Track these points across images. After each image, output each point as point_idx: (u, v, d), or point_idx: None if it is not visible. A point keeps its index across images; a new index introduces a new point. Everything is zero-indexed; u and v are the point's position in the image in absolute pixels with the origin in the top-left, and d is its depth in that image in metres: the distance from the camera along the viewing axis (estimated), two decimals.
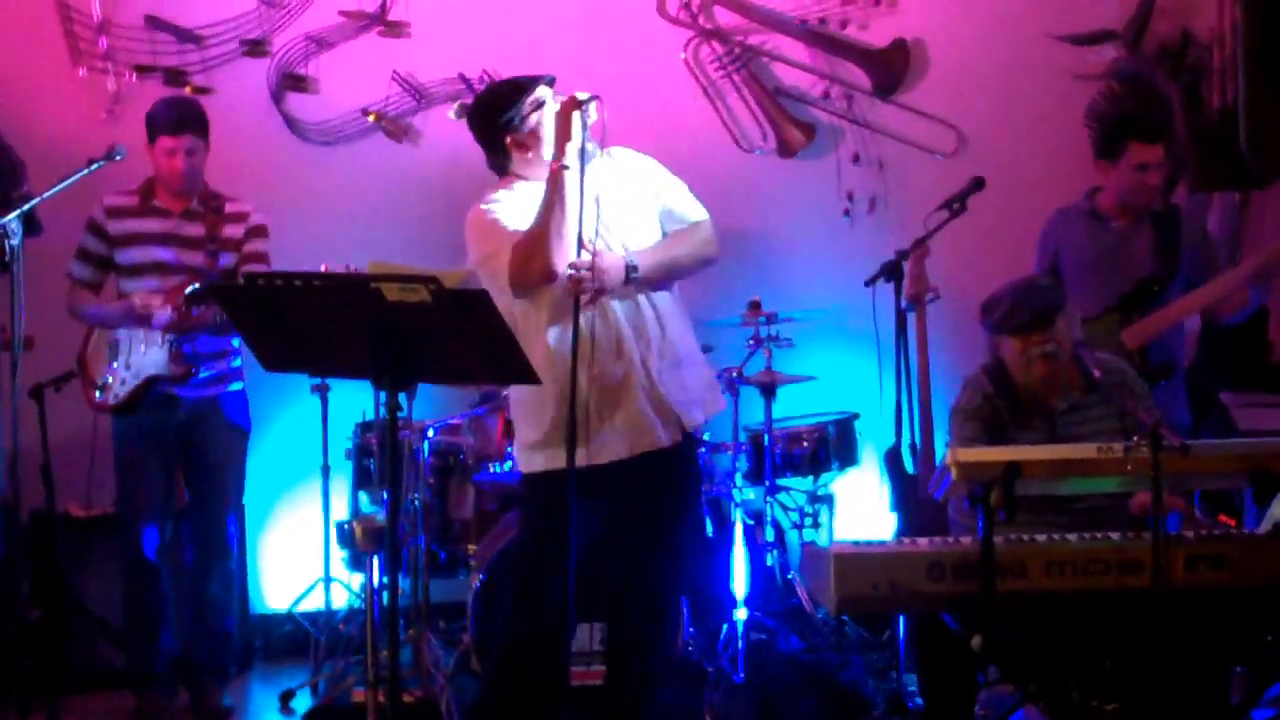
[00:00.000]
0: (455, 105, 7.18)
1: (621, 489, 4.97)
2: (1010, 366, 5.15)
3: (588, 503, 4.84)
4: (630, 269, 4.87)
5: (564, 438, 4.72)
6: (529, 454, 5.04)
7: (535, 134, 4.94)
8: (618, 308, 4.90)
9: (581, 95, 4.78)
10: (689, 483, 5.24)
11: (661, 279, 5.03)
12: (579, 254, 4.71)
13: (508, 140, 4.98)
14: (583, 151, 4.73)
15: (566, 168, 4.72)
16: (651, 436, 4.94)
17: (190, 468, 6.21)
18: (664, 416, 4.96)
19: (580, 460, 4.82)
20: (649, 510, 5.03)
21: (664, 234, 5.07)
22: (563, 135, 4.78)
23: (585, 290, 4.71)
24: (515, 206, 4.89)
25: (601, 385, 4.87)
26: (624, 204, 4.99)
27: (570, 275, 4.71)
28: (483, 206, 4.95)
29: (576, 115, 4.75)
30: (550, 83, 4.97)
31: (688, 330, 5.13)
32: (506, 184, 5.04)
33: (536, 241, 4.74)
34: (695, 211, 5.15)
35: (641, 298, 4.95)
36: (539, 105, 4.92)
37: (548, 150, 4.87)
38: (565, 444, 4.70)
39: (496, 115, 4.97)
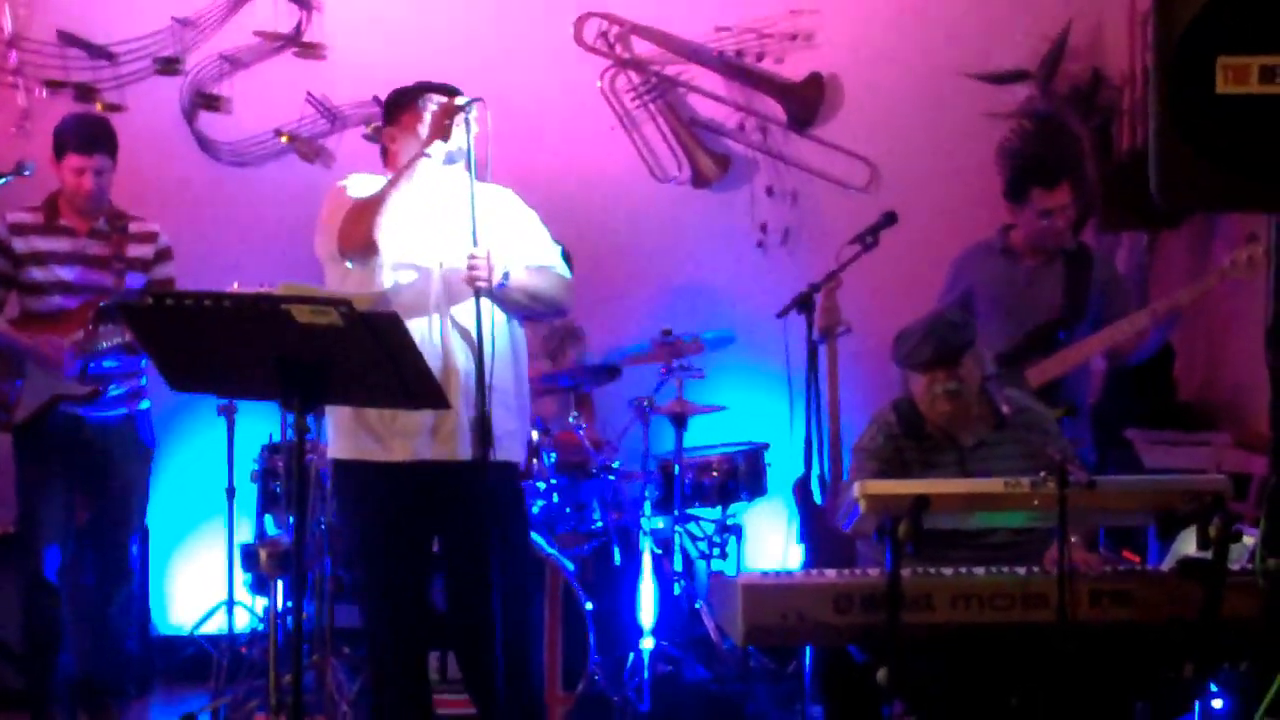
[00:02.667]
0: (370, 127, 7.18)
1: (427, 495, 4.89)
2: (918, 401, 5.16)
3: (390, 501, 4.93)
4: (503, 276, 4.85)
5: (364, 429, 4.89)
6: (335, 437, 5.06)
7: (406, 128, 5.00)
8: (457, 310, 4.88)
9: (461, 100, 4.83)
10: (495, 506, 4.91)
11: (517, 301, 4.99)
12: (474, 246, 4.74)
13: (387, 132, 5.11)
14: (469, 154, 4.79)
15: (427, 155, 4.81)
16: (450, 445, 4.85)
17: (94, 488, 6.10)
18: (468, 430, 4.84)
19: (376, 456, 4.91)
20: (459, 524, 4.92)
21: None
22: (434, 132, 4.84)
23: (479, 282, 4.72)
24: (367, 185, 4.96)
25: None
26: (491, 230, 4.94)
27: (468, 267, 4.73)
28: (339, 182, 5.08)
29: (460, 119, 4.78)
30: (461, 97, 4.92)
31: (510, 369, 5.01)
32: (371, 172, 5.12)
33: (368, 208, 4.81)
34: (562, 268, 5.18)
35: (483, 311, 4.82)
36: (425, 105, 4.96)
37: (413, 146, 4.92)
38: (372, 438, 4.89)
39: (386, 109, 5.11)
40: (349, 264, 4.88)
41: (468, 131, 4.79)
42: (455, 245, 4.83)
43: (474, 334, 4.77)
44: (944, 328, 5.12)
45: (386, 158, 5.12)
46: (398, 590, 5.01)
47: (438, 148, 4.82)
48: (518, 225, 5.10)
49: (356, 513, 5.10)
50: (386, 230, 4.77)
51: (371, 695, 5.30)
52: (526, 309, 5.10)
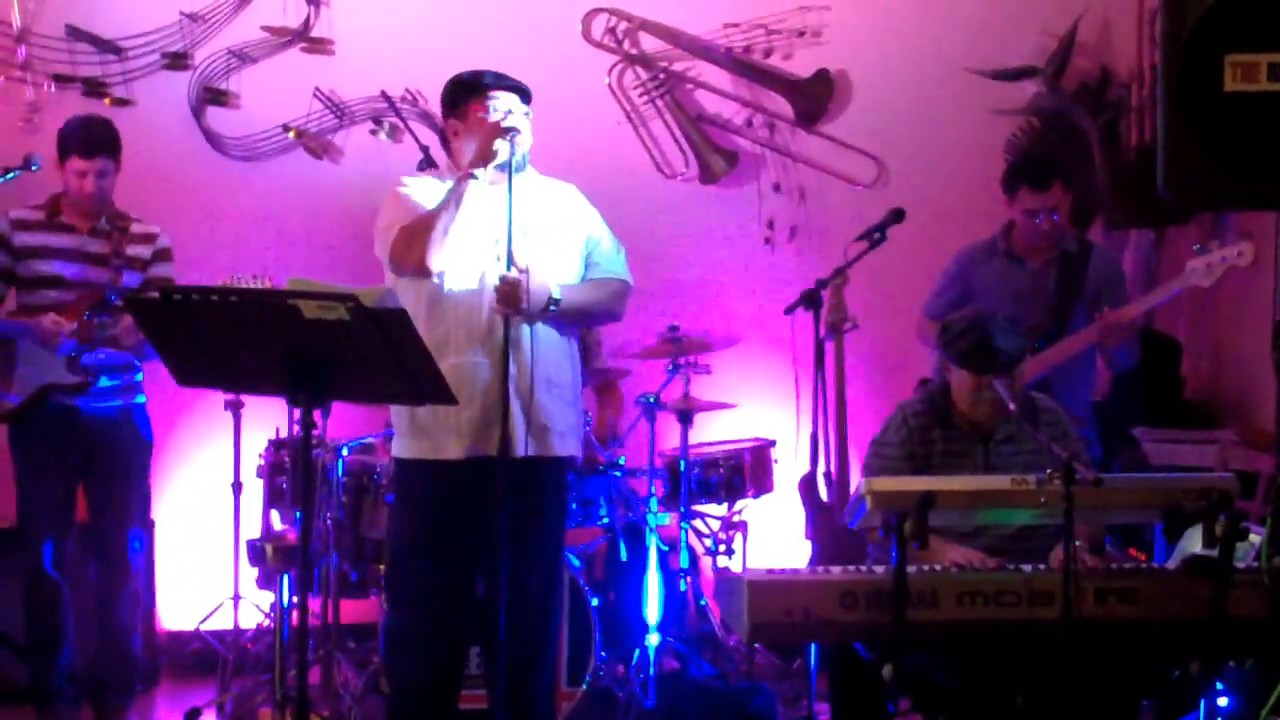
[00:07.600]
0: (386, 125, 7.20)
1: (479, 491, 4.83)
2: (956, 394, 5.09)
3: (443, 498, 4.92)
4: (552, 301, 4.85)
5: (416, 428, 4.91)
6: (395, 438, 5.08)
7: (469, 126, 4.94)
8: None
9: (508, 124, 4.78)
10: (545, 502, 5.02)
11: (572, 319, 5.03)
12: (509, 269, 4.72)
13: (449, 123, 5.03)
14: (510, 176, 4.72)
15: (474, 177, 4.77)
16: (501, 440, 4.76)
17: (90, 482, 6.07)
18: (526, 425, 4.86)
19: (423, 453, 4.91)
20: (510, 520, 4.80)
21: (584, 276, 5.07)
22: (479, 158, 4.80)
23: (510, 308, 4.71)
24: (429, 191, 4.93)
25: (457, 377, 4.71)
26: (550, 235, 4.96)
27: (497, 291, 4.71)
28: (402, 179, 5.05)
29: (503, 141, 4.75)
30: (521, 92, 4.94)
31: (565, 367, 5.03)
32: (436, 171, 5.13)
33: (419, 233, 4.78)
34: (622, 272, 5.15)
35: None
36: (484, 102, 4.90)
37: (470, 146, 4.89)
38: (427, 437, 4.89)
39: (449, 95, 5.02)
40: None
41: (513, 150, 4.76)
42: (528, 252, 4.82)
43: (527, 334, 4.81)
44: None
45: (448, 147, 5.11)
46: (442, 587, 4.98)
47: (487, 168, 4.79)
48: (579, 230, 5.09)
49: (408, 509, 5.10)
50: (438, 256, 4.77)
51: (391, 694, 5.30)
52: (577, 322, 5.13)
